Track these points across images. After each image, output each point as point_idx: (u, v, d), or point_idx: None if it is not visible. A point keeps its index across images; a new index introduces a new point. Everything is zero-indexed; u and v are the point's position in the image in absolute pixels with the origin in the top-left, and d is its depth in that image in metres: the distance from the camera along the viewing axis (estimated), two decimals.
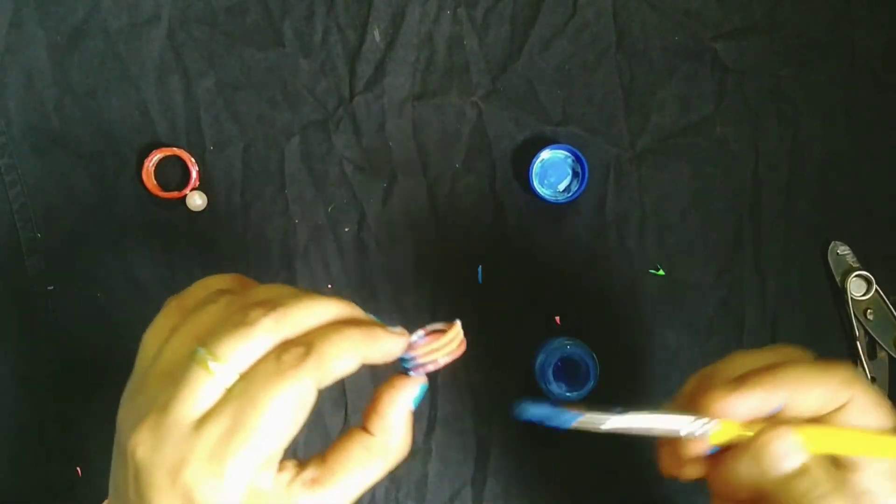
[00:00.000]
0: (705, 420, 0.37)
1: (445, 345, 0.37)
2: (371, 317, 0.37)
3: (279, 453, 0.33)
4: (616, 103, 0.61)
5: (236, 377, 0.32)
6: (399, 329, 0.36)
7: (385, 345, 0.35)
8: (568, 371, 0.58)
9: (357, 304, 0.60)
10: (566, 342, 0.56)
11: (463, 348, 0.38)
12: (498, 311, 0.61)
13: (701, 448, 0.38)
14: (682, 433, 0.38)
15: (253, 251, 0.61)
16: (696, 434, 0.37)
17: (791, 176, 0.61)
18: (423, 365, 0.37)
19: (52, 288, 0.60)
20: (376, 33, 0.61)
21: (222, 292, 0.36)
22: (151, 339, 0.36)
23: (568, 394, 0.56)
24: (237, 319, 0.33)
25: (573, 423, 0.40)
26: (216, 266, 0.61)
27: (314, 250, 0.61)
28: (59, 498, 0.60)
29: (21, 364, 0.60)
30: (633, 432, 0.39)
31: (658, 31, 0.61)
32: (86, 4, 0.60)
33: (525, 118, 0.61)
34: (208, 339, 0.32)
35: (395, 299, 0.61)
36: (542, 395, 0.58)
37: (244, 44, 0.61)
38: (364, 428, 0.36)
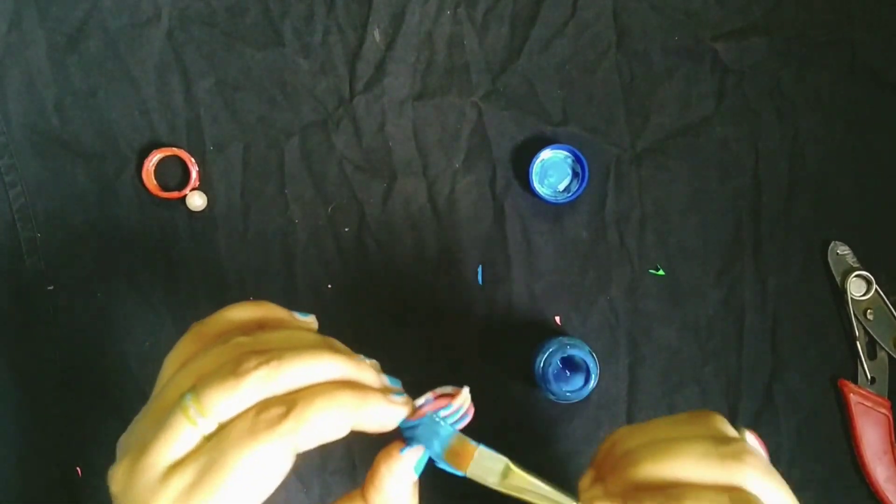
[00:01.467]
0: None
1: (452, 412, 0.35)
2: (385, 379, 0.35)
3: None
4: (616, 103, 0.61)
5: (215, 427, 0.31)
6: (402, 398, 0.34)
7: (379, 414, 0.33)
8: (568, 371, 0.58)
9: (357, 304, 0.60)
10: (566, 342, 0.56)
11: (471, 415, 0.36)
12: (498, 311, 0.61)
13: None
14: None
15: (253, 251, 0.61)
16: None
17: (791, 176, 0.61)
18: (425, 438, 0.35)
19: (51, 288, 0.60)
20: (376, 33, 0.61)
21: (238, 329, 0.36)
22: (169, 366, 0.36)
23: (568, 394, 0.56)
24: (229, 369, 0.32)
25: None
26: (216, 266, 0.61)
27: (314, 250, 0.61)
28: (59, 498, 0.60)
29: (21, 364, 0.60)
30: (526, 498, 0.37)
31: (658, 31, 0.61)
32: (86, 4, 0.60)
33: (525, 118, 0.61)
34: (199, 384, 0.32)
35: (395, 299, 0.61)
36: (541, 396, 0.58)
37: (244, 44, 0.61)
38: (363, 496, 0.34)
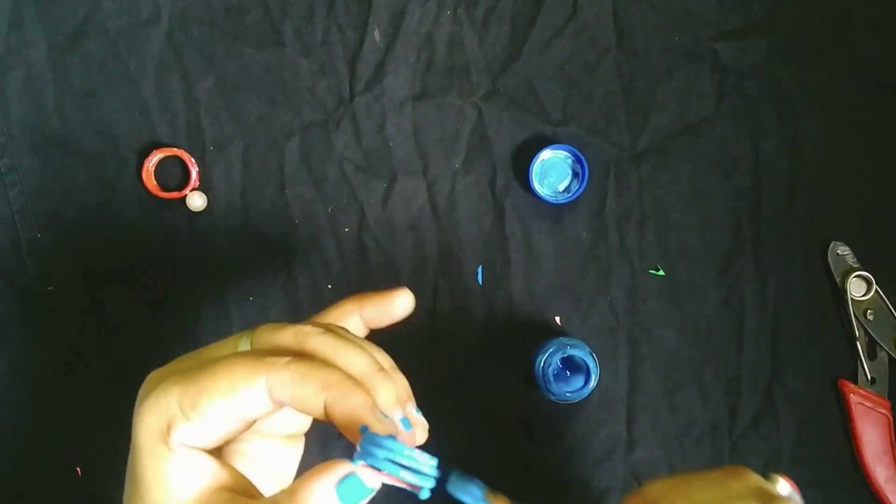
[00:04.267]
0: None
1: (423, 463, 0.31)
2: (412, 413, 0.34)
3: (200, 423, 0.31)
4: (616, 103, 0.61)
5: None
6: (390, 423, 0.31)
7: (352, 406, 0.31)
8: (568, 371, 0.58)
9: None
10: (566, 342, 0.56)
11: (420, 487, 0.31)
12: (498, 311, 0.61)
13: None
14: None
15: (253, 251, 0.61)
16: None
17: (791, 176, 0.61)
18: (373, 456, 0.29)
19: (51, 288, 0.60)
20: (376, 33, 0.61)
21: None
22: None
23: (568, 394, 0.56)
24: (296, 323, 0.35)
25: None
26: (216, 266, 0.61)
27: (314, 250, 0.61)
28: (59, 498, 0.60)
29: (21, 364, 0.60)
30: None
31: (658, 32, 0.61)
32: (86, 4, 0.60)
33: (525, 118, 0.61)
34: (259, 328, 0.35)
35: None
36: (541, 396, 0.58)
37: (244, 44, 0.61)
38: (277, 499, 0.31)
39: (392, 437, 0.30)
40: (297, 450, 0.41)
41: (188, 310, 0.61)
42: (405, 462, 0.30)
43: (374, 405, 0.31)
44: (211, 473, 0.32)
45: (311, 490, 0.29)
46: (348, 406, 0.31)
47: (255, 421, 0.34)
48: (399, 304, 0.39)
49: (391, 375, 0.34)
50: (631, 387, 0.61)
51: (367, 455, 0.29)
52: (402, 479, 0.30)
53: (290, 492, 0.30)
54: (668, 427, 0.60)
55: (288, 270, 0.61)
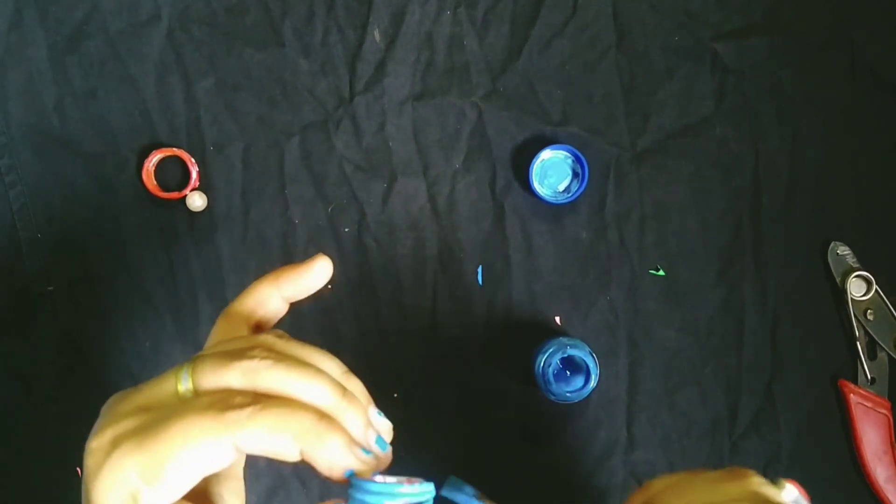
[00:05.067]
0: None
1: (414, 491, 0.32)
2: (371, 435, 0.33)
3: (167, 489, 0.30)
4: (616, 103, 0.61)
5: (191, 394, 0.32)
6: (371, 457, 0.32)
7: (327, 454, 0.31)
8: (568, 371, 0.58)
9: (357, 305, 0.60)
10: (566, 342, 0.56)
11: None
12: (498, 311, 0.61)
13: None
14: None
15: (253, 251, 0.61)
16: None
17: (791, 176, 0.61)
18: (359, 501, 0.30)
19: (51, 288, 0.60)
20: (376, 33, 0.61)
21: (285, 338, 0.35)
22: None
23: (568, 394, 0.56)
24: (239, 352, 0.32)
25: None
26: (216, 266, 0.61)
27: (314, 250, 0.61)
28: (59, 498, 0.60)
29: (21, 364, 0.60)
30: None
31: (658, 32, 0.61)
32: (86, 5, 0.60)
33: (525, 118, 0.61)
34: (200, 356, 0.32)
35: (395, 299, 0.61)
36: (541, 396, 0.58)
37: (244, 44, 0.61)
38: None
39: (376, 478, 0.30)
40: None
41: (188, 310, 0.61)
42: (402, 500, 0.30)
43: (351, 442, 0.31)
44: None
45: None
46: (328, 453, 0.30)
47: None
48: (316, 274, 0.38)
49: (350, 394, 0.33)
50: (631, 387, 0.61)
51: (357, 501, 0.30)
52: None
53: None
54: (668, 427, 0.60)
55: None
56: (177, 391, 0.32)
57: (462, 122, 0.61)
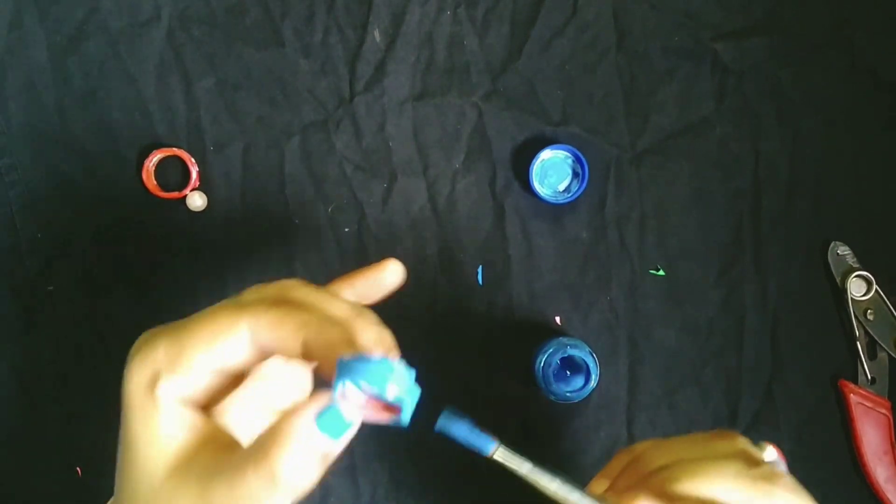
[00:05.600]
0: None
1: (401, 372, 0.30)
2: (385, 335, 0.33)
3: (186, 371, 0.31)
4: (616, 103, 0.61)
5: None
6: (375, 336, 0.32)
7: (329, 335, 0.30)
8: (568, 371, 0.58)
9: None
10: (566, 342, 0.56)
11: (400, 409, 0.30)
12: (498, 312, 0.61)
13: None
14: None
15: (253, 251, 0.61)
16: None
17: (791, 176, 0.61)
18: (348, 378, 0.28)
19: (51, 288, 0.60)
20: (376, 33, 0.61)
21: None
22: None
23: (568, 394, 0.56)
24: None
25: (491, 450, 0.36)
26: (216, 266, 0.61)
27: (314, 250, 0.61)
28: (59, 499, 0.60)
29: (21, 364, 0.60)
30: (548, 493, 0.37)
31: (658, 32, 0.61)
32: (86, 4, 0.60)
33: (525, 118, 0.61)
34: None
35: (395, 299, 0.61)
36: (541, 396, 0.58)
37: (244, 44, 0.61)
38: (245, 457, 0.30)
39: (363, 355, 0.29)
40: None
41: (188, 310, 0.61)
42: (382, 379, 0.29)
43: (352, 340, 0.31)
44: (197, 428, 0.32)
45: (291, 425, 0.28)
46: (325, 340, 0.30)
47: (241, 375, 0.34)
48: (389, 275, 0.39)
49: (376, 323, 0.34)
50: (631, 387, 0.61)
51: (342, 378, 0.28)
52: (382, 398, 0.29)
53: (271, 430, 0.29)
54: (668, 427, 0.60)
55: (288, 270, 0.61)
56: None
57: (462, 122, 0.61)
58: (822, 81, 0.61)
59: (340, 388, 0.28)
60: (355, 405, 0.29)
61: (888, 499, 0.59)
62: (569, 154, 0.60)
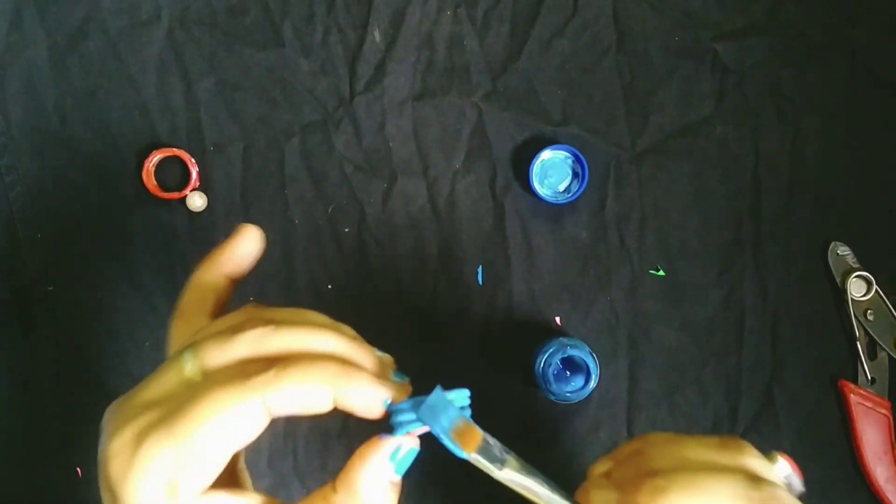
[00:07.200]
0: None
1: (461, 398, 0.34)
2: (385, 363, 0.34)
3: (205, 467, 0.30)
4: (616, 103, 0.61)
5: (200, 377, 0.31)
6: (398, 383, 0.33)
7: (363, 391, 0.31)
8: (568, 371, 0.58)
9: (357, 304, 0.60)
10: (566, 342, 0.56)
11: (469, 414, 0.34)
12: (498, 312, 0.61)
13: None
14: None
15: None
16: None
17: (791, 176, 0.61)
18: (411, 423, 0.32)
19: (51, 288, 0.60)
20: (376, 33, 0.61)
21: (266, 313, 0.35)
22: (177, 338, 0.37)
23: (568, 394, 0.56)
24: (230, 329, 0.32)
25: (465, 455, 0.35)
26: None
27: (314, 250, 0.61)
28: (59, 499, 0.60)
29: (21, 364, 0.60)
30: (522, 493, 0.36)
31: (658, 32, 0.61)
32: (86, 4, 0.60)
33: (525, 118, 0.61)
34: (198, 339, 0.32)
35: (395, 299, 0.61)
36: (540, 396, 0.58)
37: (244, 44, 0.61)
38: (333, 485, 0.32)
39: (409, 400, 0.32)
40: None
41: None
42: (450, 406, 0.32)
43: (378, 377, 0.32)
44: (228, 499, 0.31)
45: (367, 472, 0.30)
46: (360, 392, 0.31)
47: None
48: (248, 243, 0.38)
49: (357, 337, 0.34)
50: (631, 387, 0.61)
51: (405, 426, 0.31)
52: (445, 435, 0.32)
53: (345, 479, 0.30)
54: (668, 427, 0.60)
55: (288, 270, 0.61)
56: (182, 378, 0.31)
57: (462, 122, 0.61)
58: (822, 81, 0.61)
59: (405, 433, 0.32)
60: (415, 439, 0.33)
61: (888, 499, 0.59)
62: (569, 154, 0.60)
